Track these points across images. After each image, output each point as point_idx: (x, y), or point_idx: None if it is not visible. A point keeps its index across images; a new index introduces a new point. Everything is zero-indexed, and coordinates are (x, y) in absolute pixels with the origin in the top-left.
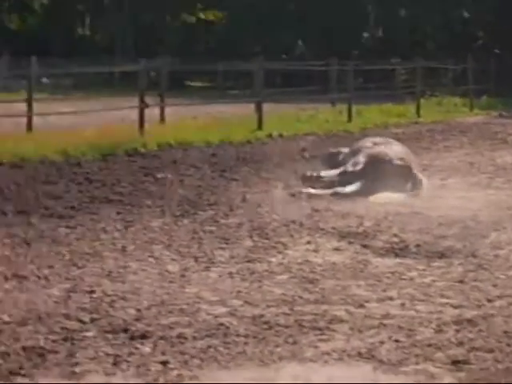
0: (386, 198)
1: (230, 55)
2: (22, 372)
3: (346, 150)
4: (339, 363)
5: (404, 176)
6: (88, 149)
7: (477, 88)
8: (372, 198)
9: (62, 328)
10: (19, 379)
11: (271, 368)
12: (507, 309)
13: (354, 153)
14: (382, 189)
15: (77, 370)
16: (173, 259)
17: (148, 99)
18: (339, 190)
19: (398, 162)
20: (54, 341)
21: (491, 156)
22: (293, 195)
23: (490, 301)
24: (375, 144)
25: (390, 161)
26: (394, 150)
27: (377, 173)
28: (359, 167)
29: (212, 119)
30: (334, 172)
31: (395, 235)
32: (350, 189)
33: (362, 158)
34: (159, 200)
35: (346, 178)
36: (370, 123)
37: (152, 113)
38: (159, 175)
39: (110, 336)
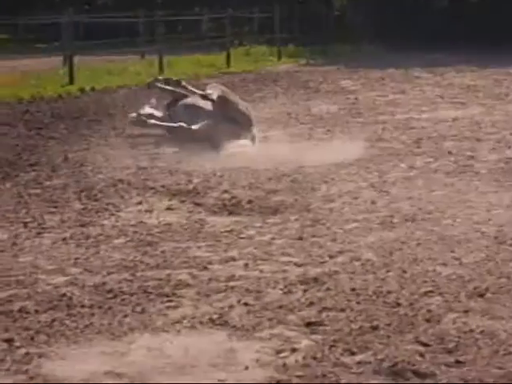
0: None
1: (31, 5)
2: None
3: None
4: (192, 332)
5: (247, 126)
6: None
7: (282, 37)
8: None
9: None
10: None
11: (123, 341)
12: (350, 264)
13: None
14: (228, 136)
15: None
16: (0, 226)
17: None
18: (184, 124)
19: (245, 110)
20: None
21: (307, 105)
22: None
23: (331, 257)
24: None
25: (237, 106)
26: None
27: (226, 115)
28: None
29: (19, 74)
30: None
31: (226, 191)
32: (196, 126)
33: (212, 93)
34: None
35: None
36: (182, 74)
37: None
38: None
39: None
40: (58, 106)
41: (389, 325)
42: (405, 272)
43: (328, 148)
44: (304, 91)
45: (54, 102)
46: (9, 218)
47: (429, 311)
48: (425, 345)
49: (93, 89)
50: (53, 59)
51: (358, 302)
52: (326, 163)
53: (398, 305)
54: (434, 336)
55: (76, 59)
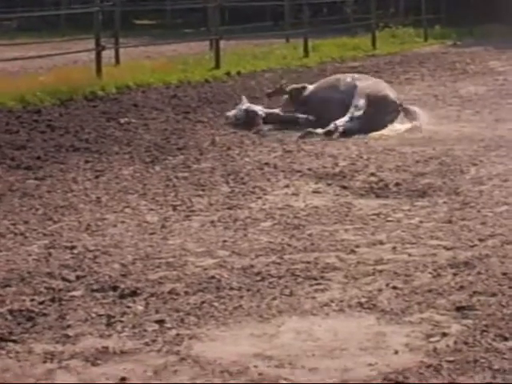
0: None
1: None
2: (13, 337)
3: (310, 86)
4: (341, 315)
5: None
6: (45, 94)
7: (429, 17)
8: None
9: (48, 288)
10: (11, 345)
11: (272, 323)
12: (501, 248)
13: (330, 88)
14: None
15: (70, 332)
16: (150, 209)
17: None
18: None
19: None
20: (40, 302)
21: (454, 87)
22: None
23: (481, 240)
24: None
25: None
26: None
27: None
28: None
29: (167, 59)
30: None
31: (373, 174)
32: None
33: (361, 101)
34: (126, 146)
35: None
36: (327, 57)
37: (104, 54)
38: (122, 120)
39: (98, 295)
40: (204, 90)
41: None
42: None
43: (475, 130)
44: (451, 73)
45: (200, 87)
46: (158, 201)
47: None
48: None
49: (238, 73)
50: (199, 44)
51: (510, 287)
52: (474, 145)
53: None
54: None
55: (222, 43)
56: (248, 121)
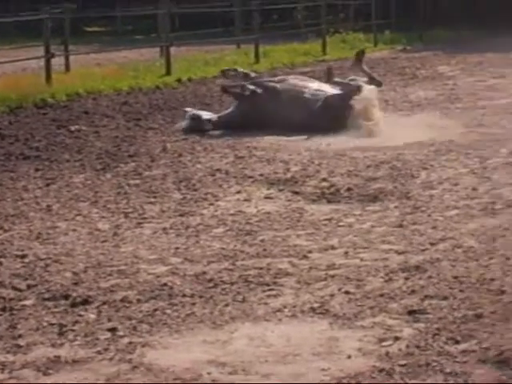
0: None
1: None
2: None
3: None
4: (294, 320)
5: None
6: None
7: (378, 23)
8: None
9: None
10: None
11: (225, 330)
12: (452, 252)
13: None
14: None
15: (21, 342)
16: (102, 217)
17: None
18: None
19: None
20: None
21: (404, 92)
22: (212, 139)
23: (433, 244)
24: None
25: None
26: None
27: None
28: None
29: (118, 66)
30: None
31: (324, 179)
32: None
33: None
34: (77, 154)
35: None
36: (278, 63)
37: (54, 62)
38: (73, 127)
39: (50, 304)
40: (155, 96)
41: (493, 313)
42: (508, 259)
43: (424, 134)
44: (401, 78)
45: (151, 93)
46: (110, 208)
47: None
48: None
49: (189, 79)
50: (150, 50)
51: (461, 290)
52: (424, 150)
53: (502, 292)
54: None
55: (172, 50)
56: (194, 126)
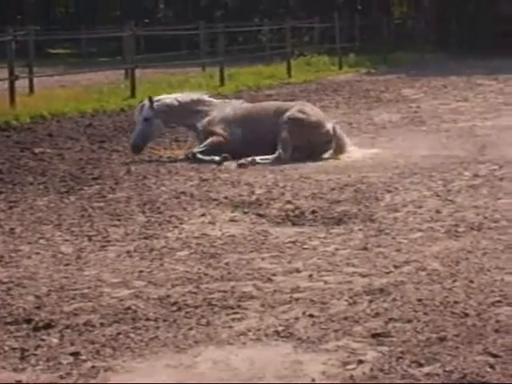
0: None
1: (90, 20)
2: None
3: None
4: (258, 344)
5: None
6: None
7: (343, 46)
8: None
9: None
10: None
11: (188, 353)
12: (416, 274)
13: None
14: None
15: None
16: (65, 240)
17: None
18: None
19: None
20: None
21: (368, 115)
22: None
23: (397, 267)
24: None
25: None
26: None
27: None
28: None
29: (82, 88)
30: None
31: (289, 202)
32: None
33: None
34: (41, 176)
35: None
36: (243, 86)
37: (18, 84)
38: (37, 150)
39: (12, 328)
40: (120, 119)
41: (457, 336)
42: (472, 282)
43: (390, 157)
44: (365, 100)
45: (116, 116)
46: (73, 231)
47: (497, 321)
48: (494, 356)
49: None
50: (114, 73)
51: (425, 313)
52: (388, 173)
53: (466, 315)
54: (503, 347)
55: (137, 72)
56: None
